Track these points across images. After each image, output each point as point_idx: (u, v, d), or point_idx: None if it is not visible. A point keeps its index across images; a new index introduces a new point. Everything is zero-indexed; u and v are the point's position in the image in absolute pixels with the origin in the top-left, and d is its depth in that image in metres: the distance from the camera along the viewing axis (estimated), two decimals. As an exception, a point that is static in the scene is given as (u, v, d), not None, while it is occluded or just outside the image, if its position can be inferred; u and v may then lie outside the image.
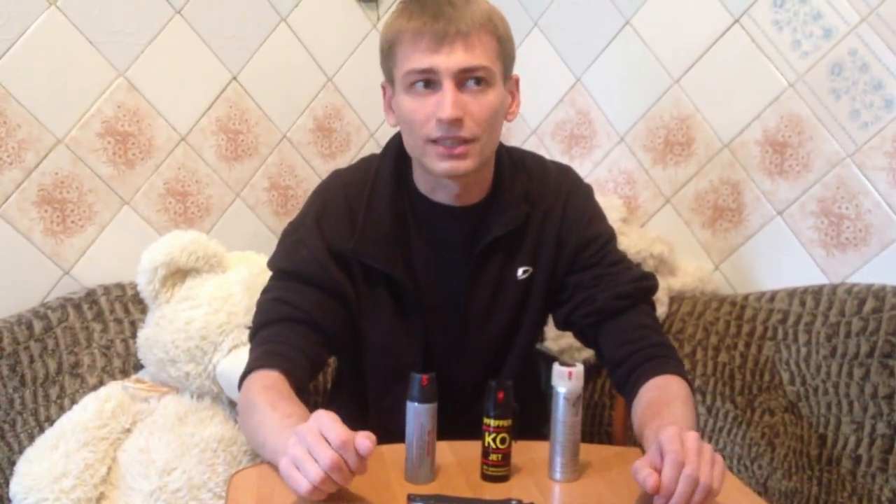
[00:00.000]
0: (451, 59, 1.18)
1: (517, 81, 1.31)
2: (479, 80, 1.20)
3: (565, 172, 1.41)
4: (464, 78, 1.20)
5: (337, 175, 1.39)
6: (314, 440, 0.96)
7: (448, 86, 1.18)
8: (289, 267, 1.31)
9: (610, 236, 1.40)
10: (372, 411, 1.40)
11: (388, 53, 1.24)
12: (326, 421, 0.98)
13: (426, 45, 1.18)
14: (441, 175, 1.25)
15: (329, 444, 0.96)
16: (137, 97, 1.88)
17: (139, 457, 1.57)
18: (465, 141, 1.21)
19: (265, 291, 1.33)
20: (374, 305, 1.33)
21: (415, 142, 1.25)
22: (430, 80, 1.20)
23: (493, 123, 1.24)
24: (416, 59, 1.19)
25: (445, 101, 1.18)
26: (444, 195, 1.31)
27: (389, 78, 1.27)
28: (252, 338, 1.30)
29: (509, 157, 1.37)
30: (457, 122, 1.19)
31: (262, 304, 1.31)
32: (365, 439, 0.97)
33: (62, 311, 1.75)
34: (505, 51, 1.24)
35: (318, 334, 1.27)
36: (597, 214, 1.40)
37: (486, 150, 1.26)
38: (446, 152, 1.21)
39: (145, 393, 1.70)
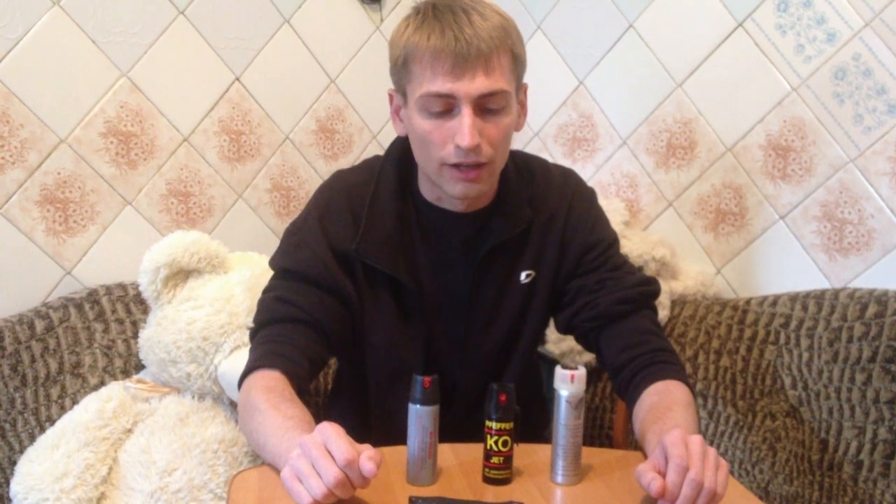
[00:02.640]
0: (471, 85, 1.16)
1: (526, 90, 1.30)
2: (496, 105, 1.19)
3: (569, 176, 1.41)
4: (482, 103, 1.18)
5: (339, 176, 1.39)
6: (319, 455, 0.95)
7: (467, 112, 1.17)
8: (291, 266, 1.30)
9: (613, 241, 1.40)
10: (373, 413, 1.40)
11: (402, 68, 1.21)
12: (332, 435, 0.97)
13: (446, 68, 1.16)
14: (454, 197, 1.26)
15: (334, 459, 0.95)
16: (140, 97, 1.88)
17: (140, 457, 1.57)
18: (481, 165, 1.21)
19: (267, 290, 1.32)
20: (376, 306, 1.33)
21: (428, 161, 1.24)
22: (447, 104, 1.18)
23: (507, 143, 1.25)
24: (436, 83, 1.16)
25: (465, 129, 1.16)
26: (448, 202, 1.31)
27: (401, 90, 1.25)
28: (253, 337, 1.30)
29: (513, 161, 1.37)
30: (475, 149, 1.18)
31: (263, 303, 1.31)
32: (369, 461, 0.95)
33: (64, 310, 1.74)
34: (519, 66, 1.23)
35: (320, 334, 1.27)
36: (600, 219, 1.40)
37: (498, 168, 1.26)
38: (462, 176, 1.21)
39: (146, 393, 1.70)
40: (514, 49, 1.20)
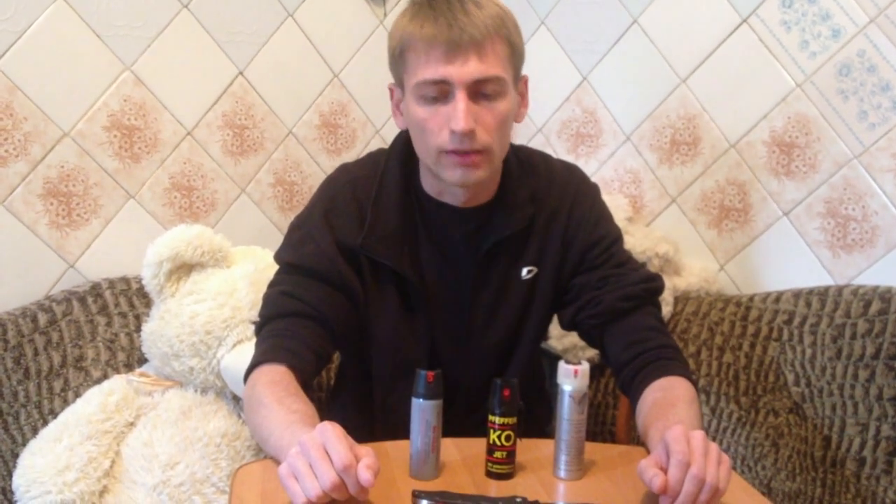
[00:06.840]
0: (464, 70, 1.16)
1: (526, 82, 1.30)
2: (491, 90, 1.19)
3: (572, 172, 1.41)
4: (477, 88, 1.18)
5: (344, 170, 1.39)
6: (318, 456, 0.95)
7: (461, 96, 1.17)
8: (296, 261, 1.30)
9: (616, 237, 1.39)
10: (376, 408, 1.40)
11: (399, 59, 1.23)
12: (332, 437, 0.96)
13: (439, 54, 1.17)
14: (454, 184, 1.25)
15: (332, 462, 0.94)
16: (144, 91, 1.88)
17: (143, 451, 1.57)
18: (478, 151, 1.20)
19: (272, 285, 1.32)
20: (381, 301, 1.33)
21: (426, 150, 1.24)
22: (442, 91, 1.19)
23: (504, 131, 1.24)
24: (430, 69, 1.17)
25: (458, 114, 1.17)
26: (450, 197, 1.31)
27: (399, 82, 1.26)
28: (259, 331, 1.30)
29: (516, 156, 1.37)
30: (470, 134, 1.18)
31: (269, 298, 1.31)
32: (367, 470, 0.94)
33: (67, 304, 1.75)
34: (516, 55, 1.23)
35: (325, 329, 1.27)
36: (603, 215, 1.40)
37: (497, 157, 1.26)
38: (459, 161, 1.21)
39: (149, 387, 1.70)
40: (510, 38, 1.21)
